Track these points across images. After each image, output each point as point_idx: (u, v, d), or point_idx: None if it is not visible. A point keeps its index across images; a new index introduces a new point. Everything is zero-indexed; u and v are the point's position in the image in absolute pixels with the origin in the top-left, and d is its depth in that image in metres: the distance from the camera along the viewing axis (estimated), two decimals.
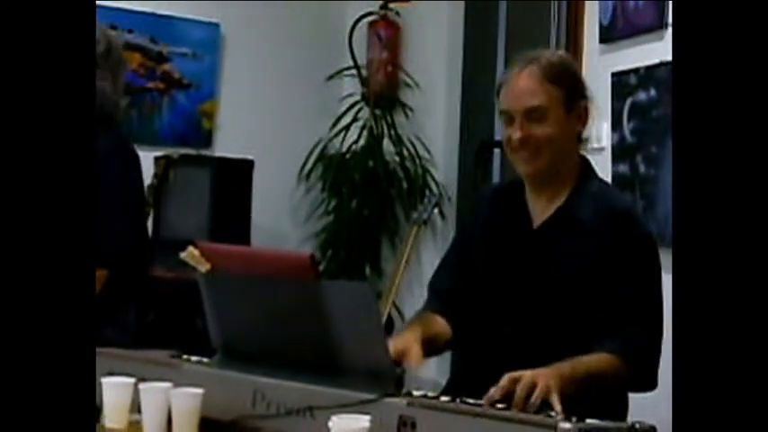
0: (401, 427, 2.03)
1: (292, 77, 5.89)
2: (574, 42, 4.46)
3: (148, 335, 4.96)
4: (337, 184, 5.72)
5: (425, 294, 2.83)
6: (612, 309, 2.45)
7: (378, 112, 5.75)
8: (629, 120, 3.95)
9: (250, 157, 5.37)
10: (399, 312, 5.39)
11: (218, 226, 5.13)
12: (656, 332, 2.49)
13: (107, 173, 3.08)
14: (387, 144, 5.72)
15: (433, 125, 5.69)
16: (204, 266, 2.38)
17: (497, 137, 4.80)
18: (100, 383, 2.20)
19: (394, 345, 2.43)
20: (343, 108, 5.83)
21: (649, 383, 2.51)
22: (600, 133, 4.07)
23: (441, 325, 2.66)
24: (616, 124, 4.02)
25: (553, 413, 2.04)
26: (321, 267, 5.46)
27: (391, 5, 5.79)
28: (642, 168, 3.85)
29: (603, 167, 3.87)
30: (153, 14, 5.48)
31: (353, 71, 5.83)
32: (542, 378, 2.17)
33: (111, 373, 2.30)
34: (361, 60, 5.82)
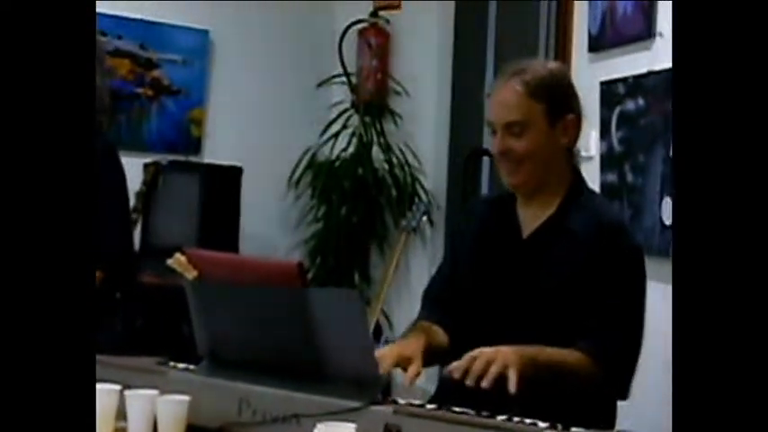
0: None
1: (282, 84, 5.89)
2: (563, 51, 4.47)
3: (136, 341, 4.96)
4: (326, 192, 5.73)
5: (414, 301, 2.83)
6: (594, 311, 2.46)
7: (367, 119, 5.75)
8: (617, 129, 3.96)
9: (239, 163, 5.38)
10: (388, 319, 5.39)
11: (207, 233, 5.12)
12: (633, 341, 2.50)
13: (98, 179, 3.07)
14: (376, 151, 5.72)
15: (423, 133, 5.69)
16: (191, 273, 2.38)
17: (486, 145, 4.80)
18: None
19: (400, 350, 2.44)
20: (333, 115, 5.84)
21: (621, 391, 2.51)
22: (588, 142, 4.07)
23: (441, 335, 2.66)
24: (605, 133, 4.03)
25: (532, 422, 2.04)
26: (310, 274, 5.47)
27: (381, 13, 5.79)
28: (630, 177, 3.85)
29: (592, 176, 3.88)
30: (142, 21, 5.48)
31: (343, 78, 5.83)
32: (501, 354, 2.25)
33: (96, 380, 2.29)
34: (351, 68, 5.82)
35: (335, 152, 5.76)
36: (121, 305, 3.63)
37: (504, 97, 2.55)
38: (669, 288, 3.40)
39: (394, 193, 5.64)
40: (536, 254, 2.56)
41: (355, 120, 5.78)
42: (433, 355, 2.58)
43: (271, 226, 5.84)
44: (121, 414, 2.26)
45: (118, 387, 2.26)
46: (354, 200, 5.65)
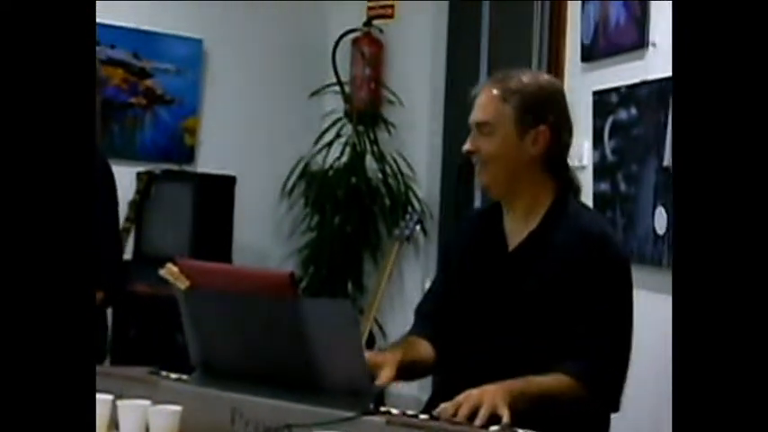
0: None
1: (275, 94, 5.89)
2: (556, 61, 4.48)
3: (128, 350, 4.96)
4: (320, 201, 5.73)
5: (407, 311, 2.84)
6: (578, 329, 2.45)
7: (360, 128, 5.75)
8: (610, 138, 3.96)
9: (232, 173, 5.37)
10: (381, 329, 5.39)
11: (200, 242, 5.12)
12: (620, 355, 2.50)
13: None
14: (369, 161, 5.72)
15: (416, 142, 5.69)
16: (183, 283, 2.38)
17: None
18: None
19: (372, 357, 2.43)
20: (326, 124, 5.84)
21: (610, 405, 2.51)
22: (581, 152, 4.08)
23: (424, 348, 2.67)
24: (597, 143, 4.03)
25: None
26: (303, 283, 5.47)
27: (374, 23, 5.80)
28: (623, 187, 3.86)
29: (585, 186, 3.88)
30: (136, 30, 5.48)
31: (336, 88, 5.83)
32: (488, 395, 2.24)
33: None
34: (344, 77, 5.83)
35: (329, 161, 5.76)
36: (114, 316, 3.61)
37: (480, 98, 2.62)
38: (662, 297, 3.42)
39: (387, 202, 5.64)
40: (521, 267, 2.57)
41: (348, 129, 5.79)
42: (412, 369, 2.60)
43: (264, 235, 5.84)
44: (114, 424, 2.26)
45: (110, 397, 2.25)
46: (348, 209, 5.65)
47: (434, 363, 2.68)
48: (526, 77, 2.62)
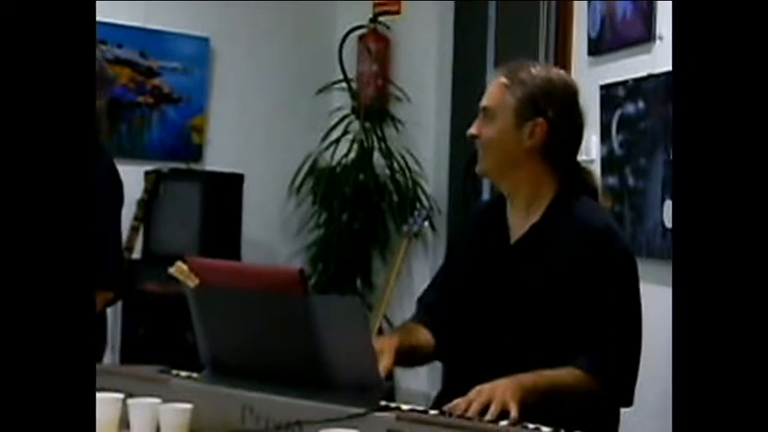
0: None
1: (282, 91, 5.89)
2: (562, 55, 4.47)
3: (138, 349, 4.97)
4: (328, 198, 5.72)
5: (415, 307, 2.84)
6: (588, 324, 2.45)
7: (368, 125, 5.75)
8: (617, 132, 3.96)
9: (240, 171, 5.38)
10: (390, 325, 5.38)
11: (209, 240, 5.13)
12: (631, 349, 2.49)
13: (100, 195, 3.08)
14: (377, 157, 5.72)
15: (424, 138, 5.69)
16: (193, 281, 2.38)
17: None
18: None
19: None
20: (334, 121, 5.84)
21: (624, 400, 2.51)
22: (589, 146, 4.07)
23: (423, 335, 2.69)
24: (605, 137, 4.03)
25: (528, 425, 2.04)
26: (312, 280, 5.47)
27: (381, 19, 5.80)
28: (631, 180, 3.85)
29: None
30: (143, 29, 5.48)
31: (343, 84, 5.84)
32: (499, 391, 2.24)
33: (99, 389, 2.29)
34: (351, 74, 5.83)
35: (336, 158, 5.76)
36: (123, 314, 3.62)
37: (490, 86, 2.67)
38: (670, 291, 3.41)
39: (395, 198, 5.64)
40: (522, 260, 2.57)
41: (356, 125, 5.78)
42: (412, 354, 2.62)
43: (272, 233, 5.85)
44: (124, 423, 2.27)
45: (120, 396, 2.26)
46: (356, 206, 5.65)
47: (433, 350, 2.70)
48: (536, 69, 2.63)
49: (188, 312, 2.41)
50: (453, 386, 2.41)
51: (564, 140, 2.61)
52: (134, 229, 5.05)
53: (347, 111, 5.84)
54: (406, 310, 5.37)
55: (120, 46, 5.41)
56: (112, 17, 5.17)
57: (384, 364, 2.42)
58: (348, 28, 5.82)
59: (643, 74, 3.80)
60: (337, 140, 5.77)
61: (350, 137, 5.77)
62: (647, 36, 3.81)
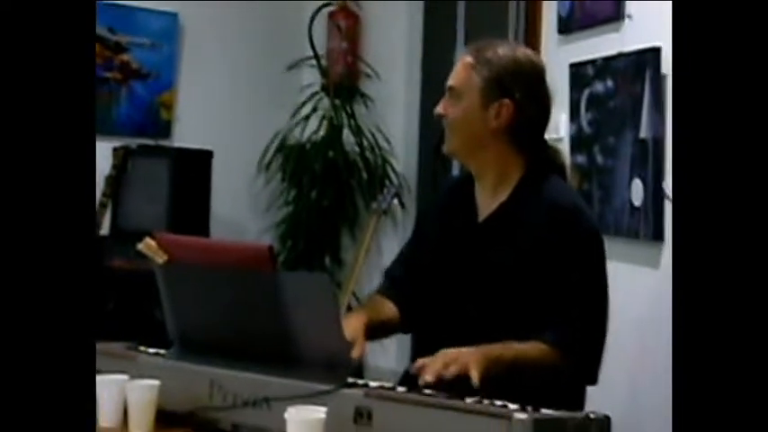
0: (357, 417, 2.04)
1: (252, 67, 5.87)
2: (532, 33, 4.48)
3: (106, 325, 4.95)
4: (297, 175, 5.71)
5: (382, 279, 2.87)
6: (554, 300, 2.47)
7: (338, 102, 5.74)
8: (586, 110, 3.97)
9: (209, 147, 5.35)
10: (359, 302, 5.39)
11: (177, 217, 5.10)
12: (597, 325, 2.51)
13: None
14: (347, 134, 5.71)
15: (393, 115, 5.69)
16: (161, 257, 2.38)
17: None
18: None
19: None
20: (303, 98, 5.82)
21: (589, 378, 2.53)
22: (558, 124, 4.08)
23: (389, 309, 2.73)
24: (574, 115, 4.03)
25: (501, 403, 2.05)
26: (281, 257, 5.46)
27: None
28: (599, 159, 3.87)
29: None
30: (111, 4, 5.44)
31: (313, 61, 5.81)
32: (463, 355, 2.29)
33: None
34: (321, 50, 5.81)
35: (306, 135, 5.75)
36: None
37: (457, 65, 2.66)
38: (638, 269, 3.44)
39: (365, 175, 5.64)
40: (490, 238, 2.58)
41: (326, 103, 5.77)
42: (379, 328, 2.66)
43: (241, 209, 5.83)
44: None
45: None
46: (325, 183, 5.64)
47: (399, 324, 2.73)
48: (503, 49, 2.63)
49: (156, 289, 2.41)
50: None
51: (531, 121, 2.61)
52: (102, 206, 5.02)
53: (317, 88, 5.82)
54: (374, 287, 5.36)
55: None
56: None
57: (357, 351, 2.43)
58: (318, 4, 5.80)
59: (612, 52, 3.81)
60: (307, 117, 5.76)
61: (319, 114, 5.75)
62: (616, 15, 3.82)
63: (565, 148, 4.06)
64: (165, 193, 5.14)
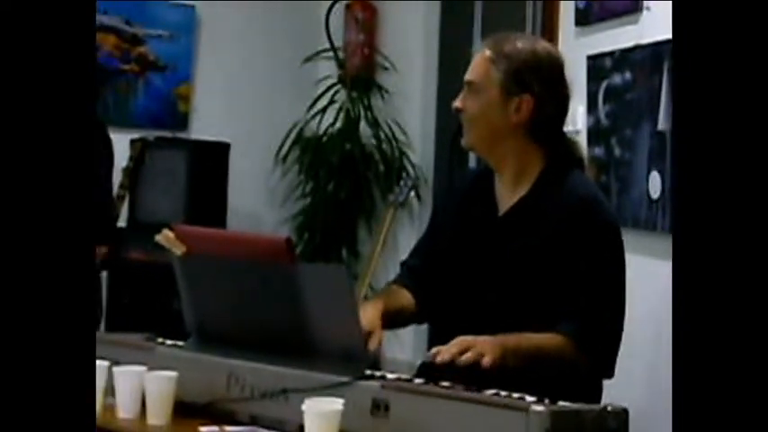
0: (374, 409, 2.05)
1: (269, 59, 5.87)
2: (549, 25, 4.46)
3: (124, 317, 4.97)
4: (314, 167, 5.71)
5: (399, 270, 2.87)
6: (572, 293, 2.46)
7: (354, 94, 5.74)
8: (604, 103, 3.95)
9: (226, 139, 5.36)
10: (376, 294, 5.39)
11: (195, 209, 5.12)
12: (614, 318, 2.51)
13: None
14: (363, 127, 5.71)
15: (410, 108, 5.68)
16: (179, 249, 2.38)
17: None
18: None
19: None
20: (320, 90, 5.82)
21: (606, 371, 2.52)
22: (575, 116, 4.07)
23: (406, 298, 2.72)
24: (591, 107, 4.02)
25: (525, 397, 2.05)
26: (298, 250, 5.46)
27: None
28: (617, 151, 3.85)
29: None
30: None
31: (330, 53, 5.81)
32: (480, 343, 2.31)
33: None
34: (338, 42, 5.80)
35: (323, 127, 5.75)
36: (109, 282, 3.63)
37: (475, 59, 2.65)
38: (655, 262, 3.43)
39: (381, 168, 5.63)
40: (509, 232, 2.58)
41: (342, 95, 5.77)
42: (395, 317, 2.65)
43: (258, 202, 5.84)
44: (110, 390, 2.27)
45: (106, 363, 2.26)
46: (342, 175, 5.64)
47: (415, 313, 2.73)
48: (522, 43, 2.62)
49: (174, 280, 2.42)
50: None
51: (550, 115, 2.61)
52: (120, 198, 5.03)
53: (334, 80, 5.82)
54: (391, 279, 5.37)
55: (105, 13, 5.38)
56: None
57: (375, 341, 2.43)
58: None
59: (630, 44, 3.80)
60: (324, 110, 5.76)
61: (336, 106, 5.75)
62: (634, 7, 3.80)
63: (582, 140, 4.05)
64: (183, 185, 5.15)
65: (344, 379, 2.10)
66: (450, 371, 2.26)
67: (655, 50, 3.60)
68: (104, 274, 4.82)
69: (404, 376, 2.20)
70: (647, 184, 3.64)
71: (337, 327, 2.20)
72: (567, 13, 4.31)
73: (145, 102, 5.58)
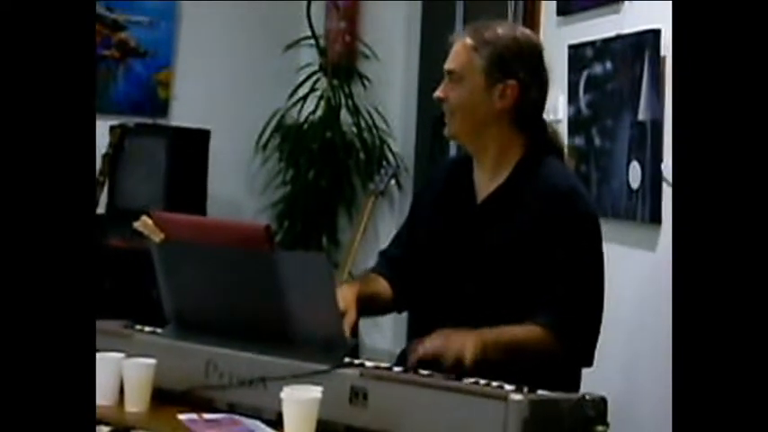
0: (353, 397, 2.05)
1: (250, 47, 5.85)
2: (531, 14, 4.46)
3: (103, 304, 4.95)
4: (294, 155, 5.70)
5: (377, 259, 2.87)
6: (549, 282, 2.47)
7: (335, 82, 5.73)
8: (584, 92, 3.96)
9: (207, 126, 5.34)
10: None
11: (174, 196, 5.10)
12: (592, 308, 2.51)
13: None
14: (344, 115, 5.70)
15: (391, 96, 5.68)
16: (158, 236, 2.38)
17: None
18: None
19: None
20: (301, 78, 5.80)
21: (584, 360, 2.53)
22: (556, 106, 4.07)
23: (382, 286, 2.73)
24: (572, 97, 4.03)
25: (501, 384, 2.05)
26: (278, 238, 5.46)
27: None
28: (597, 141, 3.86)
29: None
30: None
31: (311, 41, 5.80)
32: (459, 338, 2.32)
33: None
34: (319, 30, 5.79)
35: (304, 115, 5.74)
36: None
37: (455, 47, 2.64)
38: (635, 252, 3.43)
39: (362, 156, 5.63)
40: (488, 219, 2.58)
41: (323, 83, 5.76)
42: (370, 303, 2.64)
43: (238, 189, 5.82)
44: None
45: None
46: (322, 163, 5.64)
47: (391, 302, 2.73)
48: (502, 29, 2.62)
49: (153, 267, 2.41)
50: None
51: (534, 100, 2.61)
52: (99, 184, 5.01)
53: (315, 68, 5.81)
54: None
55: None
56: None
57: (348, 320, 2.43)
58: None
59: (611, 34, 3.80)
60: (304, 97, 5.74)
61: (317, 94, 5.74)
62: None
63: (563, 129, 4.05)
64: (162, 172, 5.13)
65: (323, 367, 2.10)
66: (430, 363, 2.26)
67: (636, 40, 3.60)
68: None
69: (383, 364, 2.20)
70: (627, 175, 3.64)
71: (316, 315, 2.20)
72: (548, 2, 4.31)
73: (125, 88, 5.56)
